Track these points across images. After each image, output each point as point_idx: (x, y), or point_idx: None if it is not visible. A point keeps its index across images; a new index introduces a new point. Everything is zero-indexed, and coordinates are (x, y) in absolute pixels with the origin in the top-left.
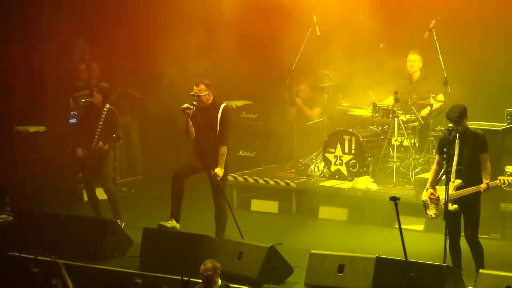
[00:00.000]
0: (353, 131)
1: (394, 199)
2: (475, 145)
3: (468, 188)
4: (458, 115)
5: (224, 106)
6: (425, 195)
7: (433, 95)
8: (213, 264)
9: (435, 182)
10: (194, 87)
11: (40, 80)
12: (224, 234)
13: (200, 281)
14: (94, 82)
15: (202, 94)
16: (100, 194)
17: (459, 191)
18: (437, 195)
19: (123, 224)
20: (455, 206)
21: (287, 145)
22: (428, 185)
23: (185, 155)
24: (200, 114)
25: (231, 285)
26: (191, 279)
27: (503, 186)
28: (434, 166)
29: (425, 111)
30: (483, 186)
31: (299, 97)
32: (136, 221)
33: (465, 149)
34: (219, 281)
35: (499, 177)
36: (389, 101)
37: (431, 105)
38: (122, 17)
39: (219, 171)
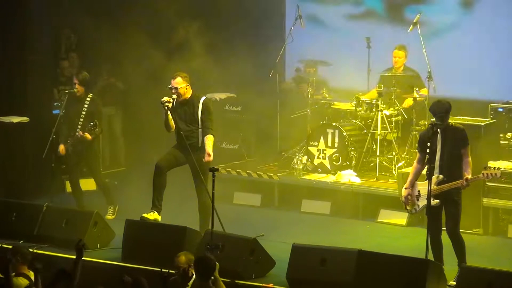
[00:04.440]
0: (336, 124)
1: (213, 170)
2: (456, 140)
3: (450, 183)
4: (444, 111)
5: (204, 99)
6: (404, 192)
7: (417, 89)
8: (186, 256)
9: (415, 180)
10: (171, 80)
11: (23, 70)
12: (209, 227)
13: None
14: (74, 73)
15: (179, 87)
16: (84, 185)
17: (441, 185)
18: (417, 191)
19: (116, 207)
20: (437, 201)
21: (270, 138)
22: (407, 184)
23: (168, 147)
24: (180, 107)
25: None
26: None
27: (486, 180)
28: (415, 165)
29: (408, 102)
30: (463, 180)
31: None
32: (119, 213)
33: (446, 144)
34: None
35: (482, 171)
36: (372, 95)
37: (415, 99)
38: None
39: (207, 156)
